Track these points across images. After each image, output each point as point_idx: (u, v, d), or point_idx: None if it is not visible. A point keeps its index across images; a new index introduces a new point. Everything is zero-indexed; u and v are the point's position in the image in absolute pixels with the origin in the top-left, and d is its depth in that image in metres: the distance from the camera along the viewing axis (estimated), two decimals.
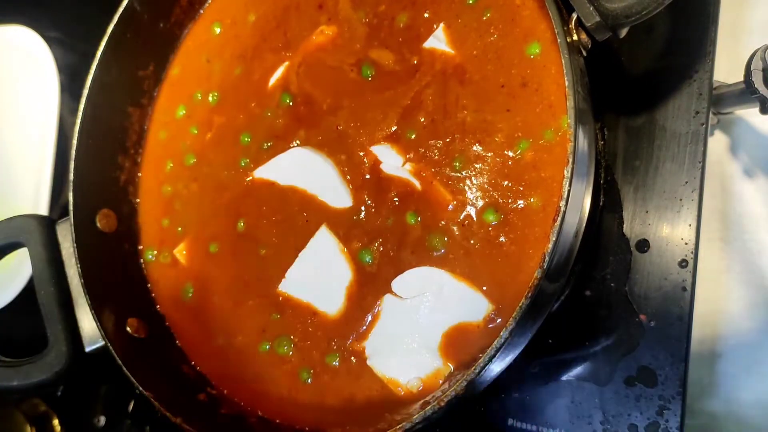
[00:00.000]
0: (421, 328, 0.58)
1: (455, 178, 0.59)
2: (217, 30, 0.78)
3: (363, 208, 0.63)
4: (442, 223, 0.59)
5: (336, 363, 0.62)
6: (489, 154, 0.58)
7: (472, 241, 0.58)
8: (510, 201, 0.56)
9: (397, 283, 0.60)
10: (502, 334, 0.49)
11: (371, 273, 0.62)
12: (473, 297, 0.56)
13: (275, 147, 0.70)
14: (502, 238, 0.56)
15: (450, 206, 0.59)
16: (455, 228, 0.58)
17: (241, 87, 0.75)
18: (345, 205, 0.64)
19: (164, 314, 0.75)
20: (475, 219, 0.58)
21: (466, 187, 0.59)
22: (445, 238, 0.59)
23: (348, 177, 0.65)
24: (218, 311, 0.70)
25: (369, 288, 0.62)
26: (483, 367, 0.50)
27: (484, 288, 0.56)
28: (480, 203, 0.58)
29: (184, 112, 0.78)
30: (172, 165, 0.77)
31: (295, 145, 0.68)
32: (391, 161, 0.63)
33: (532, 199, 0.55)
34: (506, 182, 0.57)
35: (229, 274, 0.70)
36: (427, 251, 0.59)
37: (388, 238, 0.61)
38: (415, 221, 0.60)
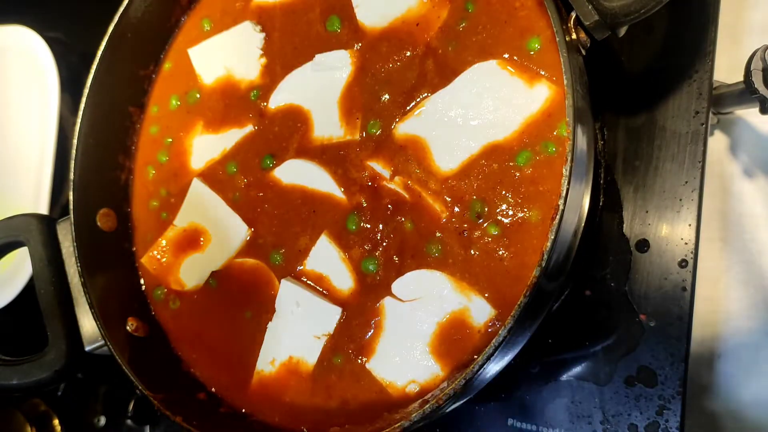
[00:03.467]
0: (421, 331, 0.58)
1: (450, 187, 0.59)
2: (207, 27, 0.77)
3: (360, 212, 0.63)
4: (438, 234, 0.58)
5: (336, 365, 0.62)
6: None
7: (472, 252, 0.57)
8: (510, 211, 0.56)
9: (397, 287, 0.59)
10: (500, 332, 0.49)
11: (372, 278, 0.61)
12: (474, 300, 0.56)
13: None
14: (501, 251, 0.55)
15: (443, 219, 0.58)
16: (450, 237, 0.58)
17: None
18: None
19: (160, 322, 0.74)
20: (471, 228, 0.57)
21: (463, 196, 0.58)
22: (439, 246, 0.58)
23: (342, 188, 0.64)
24: (219, 314, 0.70)
25: (369, 293, 0.61)
26: (482, 365, 0.49)
27: (486, 295, 0.56)
28: (474, 213, 0.57)
29: (178, 104, 0.77)
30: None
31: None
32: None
33: (530, 213, 0.55)
34: (504, 191, 0.56)
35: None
36: (425, 257, 0.59)
37: (389, 244, 0.61)
38: (411, 227, 0.60)
